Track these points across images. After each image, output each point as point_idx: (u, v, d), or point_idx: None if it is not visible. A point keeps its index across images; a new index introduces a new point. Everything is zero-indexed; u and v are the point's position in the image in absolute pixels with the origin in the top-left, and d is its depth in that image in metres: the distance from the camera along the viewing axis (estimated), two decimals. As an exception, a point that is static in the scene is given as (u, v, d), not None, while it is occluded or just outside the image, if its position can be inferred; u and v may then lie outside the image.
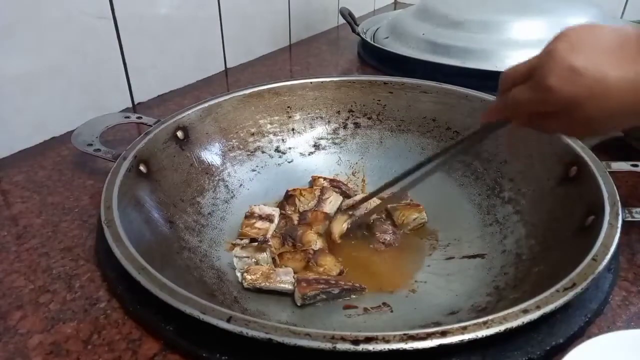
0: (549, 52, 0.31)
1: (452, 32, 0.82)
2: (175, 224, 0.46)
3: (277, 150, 0.60)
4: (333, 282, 0.42)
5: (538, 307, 0.30)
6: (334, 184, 0.56)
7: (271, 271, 0.43)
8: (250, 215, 0.50)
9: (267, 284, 0.42)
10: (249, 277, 0.42)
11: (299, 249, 0.47)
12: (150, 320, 0.35)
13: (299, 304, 0.41)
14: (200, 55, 0.81)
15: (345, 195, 0.55)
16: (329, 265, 0.45)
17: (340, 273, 0.45)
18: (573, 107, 0.31)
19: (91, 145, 0.52)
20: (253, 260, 0.45)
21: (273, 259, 0.46)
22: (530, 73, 0.33)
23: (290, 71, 0.89)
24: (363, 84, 0.62)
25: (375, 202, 0.53)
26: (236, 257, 0.45)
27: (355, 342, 0.28)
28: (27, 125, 0.59)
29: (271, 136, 0.60)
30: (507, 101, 0.35)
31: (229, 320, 0.30)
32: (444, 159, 0.45)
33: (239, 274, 0.44)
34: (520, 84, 0.34)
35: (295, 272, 0.44)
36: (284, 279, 0.42)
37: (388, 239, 0.49)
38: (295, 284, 0.42)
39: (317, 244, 0.47)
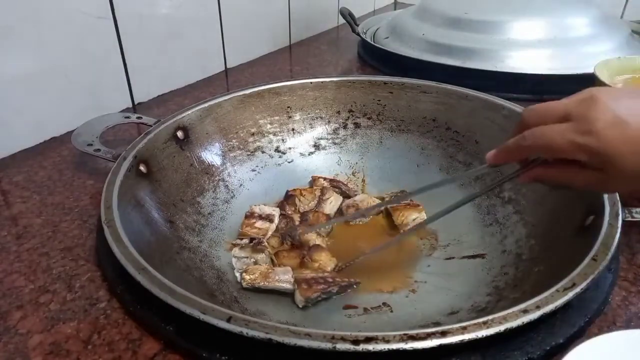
0: (591, 97, 0.30)
1: (452, 32, 0.82)
2: (175, 224, 0.46)
3: (277, 150, 0.60)
4: (330, 280, 0.42)
5: (538, 307, 0.30)
6: (334, 184, 0.56)
7: (270, 270, 0.43)
8: (250, 215, 0.50)
9: (265, 283, 0.42)
10: (247, 277, 0.42)
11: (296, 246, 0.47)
12: (150, 320, 0.35)
13: (300, 307, 0.41)
14: (200, 55, 0.81)
15: (346, 195, 0.55)
16: (324, 260, 0.45)
17: (335, 267, 0.45)
18: (613, 158, 0.29)
19: (91, 145, 0.52)
20: (252, 260, 0.45)
21: (271, 258, 0.46)
22: (569, 115, 0.31)
23: (290, 71, 0.89)
24: (363, 84, 0.62)
25: (375, 200, 0.53)
26: (235, 257, 0.45)
27: (355, 342, 0.28)
28: (27, 125, 0.59)
29: (271, 136, 0.60)
30: (535, 139, 0.32)
31: (229, 320, 0.30)
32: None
33: (237, 274, 0.44)
34: (554, 124, 0.31)
35: (292, 269, 0.43)
36: (283, 278, 0.42)
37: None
38: (296, 286, 0.42)
39: (316, 242, 0.47)
